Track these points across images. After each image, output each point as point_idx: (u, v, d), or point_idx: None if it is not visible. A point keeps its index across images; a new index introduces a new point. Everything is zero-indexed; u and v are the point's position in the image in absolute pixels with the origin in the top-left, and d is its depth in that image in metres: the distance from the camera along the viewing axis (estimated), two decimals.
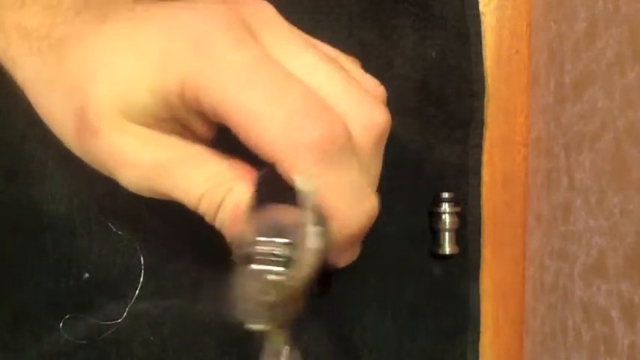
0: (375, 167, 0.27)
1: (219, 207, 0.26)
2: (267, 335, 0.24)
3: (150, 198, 0.27)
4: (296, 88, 0.23)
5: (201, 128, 0.26)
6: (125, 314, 0.35)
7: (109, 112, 0.24)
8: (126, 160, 0.25)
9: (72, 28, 0.25)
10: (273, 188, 0.24)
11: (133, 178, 0.26)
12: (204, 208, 0.26)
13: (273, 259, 0.23)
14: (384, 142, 0.27)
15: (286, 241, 0.23)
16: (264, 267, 0.22)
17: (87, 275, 0.35)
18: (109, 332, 0.35)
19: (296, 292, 0.23)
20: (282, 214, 0.24)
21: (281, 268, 0.23)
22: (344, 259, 0.28)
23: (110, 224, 0.35)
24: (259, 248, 0.23)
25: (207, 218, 0.26)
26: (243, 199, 0.25)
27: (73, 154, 0.27)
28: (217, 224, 0.26)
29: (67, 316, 0.35)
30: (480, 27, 0.39)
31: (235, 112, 0.23)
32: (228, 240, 0.26)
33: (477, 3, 0.39)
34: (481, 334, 0.39)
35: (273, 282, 0.22)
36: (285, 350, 0.25)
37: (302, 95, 0.23)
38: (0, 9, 0.26)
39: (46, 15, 0.26)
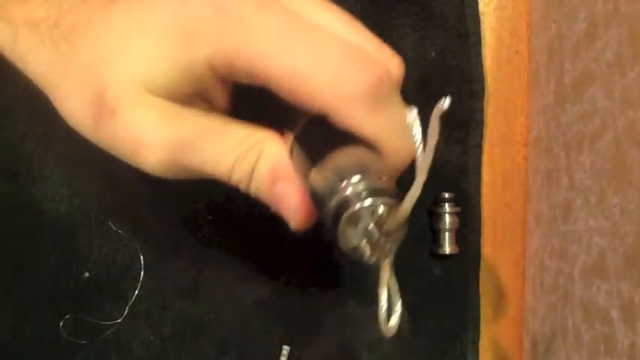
0: None
1: (252, 172, 0.25)
2: (381, 265, 0.25)
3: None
4: (331, 40, 0.24)
5: (221, 97, 0.26)
6: (125, 314, 0.35)
7: (129, 89, 0.24)
8: (147, 139, 0.24)
9: (80, 14, 0.25)
10: (314, 141, 0.25)
11: (158, 158, 0.25)
12: (238, 177, 0.25)
13: (371, 194, 0.23)
14: (399, 89, 0.28)
15: (364, 175, 0.23)
16: (370, 202, 0.22)
17: (87, 275, 0.35)
18: (109, 332, 0.35)
19: (406, 217, 0.23)
20: (340, 157, 0.24)
21: (387, 199, 0.23)
22: None
23: (110, 223, 0.35)
24: (351, 188, 0.23)
25: (242, 186, 0.26)
26: (278, 157, 0.25)
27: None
28: (253, 191, 0.26)
29: (67, 316, 0.35)
30: (479, 27, 0.39)
31: (279, 72, 0.23)
32: (269, 204, 0.26)
33: (477, 3, 0.39)
34: (481, 334, 0.39)
35: (387, 208, 0.23)
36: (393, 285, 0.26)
37: (342, 46, 0.24)
38: (6, 3, 0.26)
39: (53, 4, 0.25)
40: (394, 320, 0.25)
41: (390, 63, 0.26)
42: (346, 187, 0.23)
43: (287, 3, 0.25)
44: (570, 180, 0.33)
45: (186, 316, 0.36)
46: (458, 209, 0.38)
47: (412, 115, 0.25)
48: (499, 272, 0.40)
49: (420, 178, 0.23)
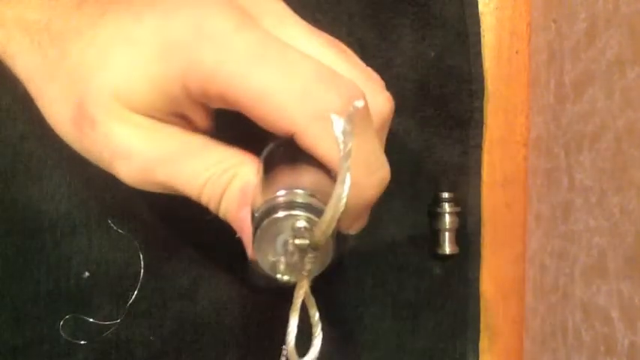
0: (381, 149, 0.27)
1: (222, 195, 0.25)
2: (297, 288, 0.23)
3: (150, 196, 0.27)
4: (307, 60, 0.23)
5: (200, 119, 0.26)
6: (125, 314, 0.35)
7: (108, 102, 0.24)
8: (124, 151, 0.25)
9: (71, 21, 0.25)
10: (281, 162, 0.24)
11: (132, 171, 0.25)
12: (207, 197, 0.25)
13: (296, 206, 0.21)
14: (388, 127, 0.27)
15: (304, 191, 0.22)
16: (294, 212, 0.21)
17: (87, 274, 0.35)
18: (108, 332, 0.35)
19: (325, 239, 0.21)
20: (296, 176, 0.23)
21: (309, 214, 0.21)
22: (356, 227, 0.28)
23: (110, 222, 0.35)
24: (281, 198, 0.22)
25: (212, 207, 0.26)
26: (249, 181, 0.25)
27: (73, 152, 0.27)
28: (221, 213, 0.26)
29: (67, 316, 0.35)
30: (479, 27, 0.39)
31: (247, 91, 0.23)
32: (235, 228, 0.26)
33: (477, 3, 0.39)
34: (481, 334, 0.39)
35: (307, 223, 0.21)
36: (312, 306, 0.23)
37: (315, 66, 0.23)
38: (0, 4, 0.26)
39: (46, 7, 0.25)
40: (311, 355, 0.23)
41: (376, 96, 0.25)
42: (275, 198, 0.22)
43: (273, 28, 0.24)
44: (570, 180, 0.33)
45: (186, 316, 0.36)
46: (458, 209, 0.38)
47: (339, 125, 0.22)
48: (499, 272, 0.40)
49: (338, 189, 0.21)
